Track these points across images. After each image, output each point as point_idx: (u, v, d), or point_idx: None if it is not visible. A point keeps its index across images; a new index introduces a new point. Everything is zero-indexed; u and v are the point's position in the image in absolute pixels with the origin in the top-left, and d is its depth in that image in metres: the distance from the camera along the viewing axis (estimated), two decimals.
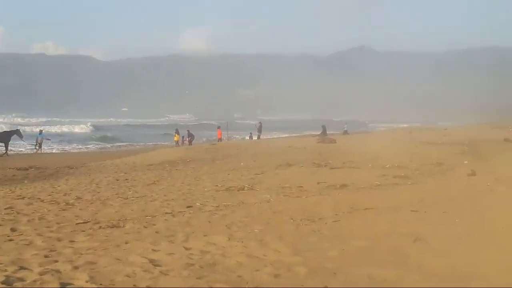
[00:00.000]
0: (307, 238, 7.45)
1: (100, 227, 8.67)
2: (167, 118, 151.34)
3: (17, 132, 36.29)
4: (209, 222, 9.00)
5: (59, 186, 15.83)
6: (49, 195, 13.31)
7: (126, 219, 9.38)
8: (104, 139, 58.18)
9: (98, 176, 18.83)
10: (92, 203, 11.71)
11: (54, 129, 74.53)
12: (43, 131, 41.20)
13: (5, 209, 10.78)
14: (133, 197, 12.65)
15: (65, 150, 43.76)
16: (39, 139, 38.65)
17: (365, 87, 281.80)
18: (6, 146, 34.41)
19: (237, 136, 56.96)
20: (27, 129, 60.13)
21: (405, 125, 67.41)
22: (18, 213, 10.30)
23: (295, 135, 62.53)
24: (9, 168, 22.91)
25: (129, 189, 14.51)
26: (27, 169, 22.54)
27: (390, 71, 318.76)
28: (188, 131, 46.51)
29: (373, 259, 6.24)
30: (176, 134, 44.85)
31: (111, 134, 64.46)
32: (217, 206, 10.69)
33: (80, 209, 10.75)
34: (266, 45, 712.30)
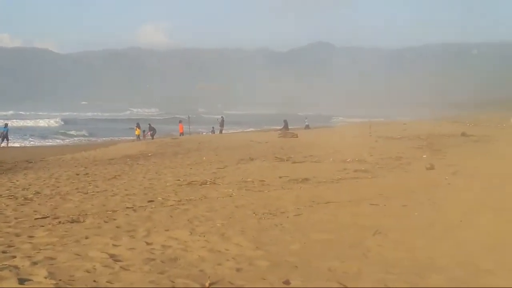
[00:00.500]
0: (269, 231, 7.51)
1: (60, 222, 8.54)
2: (129, 112, 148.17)
3: None
4: (171, 216, 8.97)
5: (17, 180, 15.47)
6: (7, 190, 13.02)
7: (86, 214, 9.26)
8: (71, 133, 56.82)
9: (58, 171, 18.48)
10: (51, 198, 11.51)
11: (20, 123, 72.77)
12: (8, 124, 40.24)
13: None
14: (93, 191, 12.48)
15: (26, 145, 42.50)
16: (3, 132, 37.48)
17: (325, 82, 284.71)
18: None
19: (200, 130, 56.62)
20: None
21: (365, 120, 68.28)
22: None
23: (256, 129, 62.64)
24: None
25: (90, 183, 14.31)
26: None
27: (350, 67, 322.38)
28: (149, 124, 46.06)
29: (334, 252, 6.33)
30: (137, 128, 44.37)
31: (77, 128, 63.08)
32: (179, 201, 10.65)
33: (39, 204, 10.56)
34: (226, 40, 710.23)
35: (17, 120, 76.40)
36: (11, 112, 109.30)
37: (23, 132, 54.61)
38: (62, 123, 76.84)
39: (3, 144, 36.83)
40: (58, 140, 49.17)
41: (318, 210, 9.10)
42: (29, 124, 72.12)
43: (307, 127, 53.46)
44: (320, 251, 6.39)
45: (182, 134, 46.80)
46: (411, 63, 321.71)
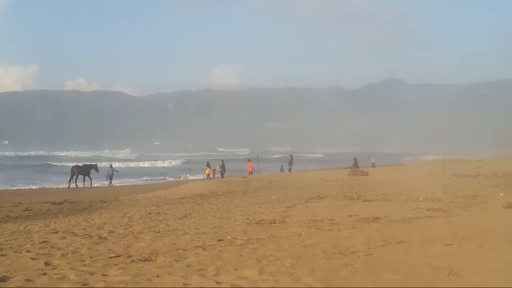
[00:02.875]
0: (339, 272, 7.37)
1: (132, 260, 8.72)
2: (210, 152, 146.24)
3: (94, 167, 39.23)
4: (240, 255, 8.97)
5: (92, 220, 15.99)
6: (83, 229, 13.45)
7: (157, 253, 9.42)
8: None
9: (131, 210, 18.97)
10: (124, 236, 11.79)
11: (125, 163, 77.24)
12: (113, 165, 42.72)
13: (39, 243, 10.93)
14: (164, 230, 12.69)
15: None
16: (110, 172, 39.99)
17: (396, 120, 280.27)
18: (88, 178, 37.77)
19: (268, 169, 56.77)
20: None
21: (438, 157, 66.41)
22: (52, 247, 10.42)
23: (326, 167, 62.15)
24: (44, 203, 23.26)
25: (161, 222, 14.57)
26: (61, 203, 22.86)
27: (422, 103, 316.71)
28: (222, 161, 47.16)
29: None
30: (207, 168, 45.08)
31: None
32: (248, 240, 10.66)
33: (112, 243, 10.83)
34: (295, 79, 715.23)
35: (124, 162, 79.59)
36: (88, 152, 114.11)
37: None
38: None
39: (110, 184, 39.37)
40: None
41: (389, 250, 8.88)
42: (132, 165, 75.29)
43: (373, 165, 52.69)
44: None
45: (251, 172, 47.06)
46: (487, 99, 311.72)
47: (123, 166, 72.03)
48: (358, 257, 8.38)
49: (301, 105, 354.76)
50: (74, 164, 43.58)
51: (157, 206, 20.21)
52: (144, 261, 8.70)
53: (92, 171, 38.47)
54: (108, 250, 9.93)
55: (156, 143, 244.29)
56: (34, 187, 37.16)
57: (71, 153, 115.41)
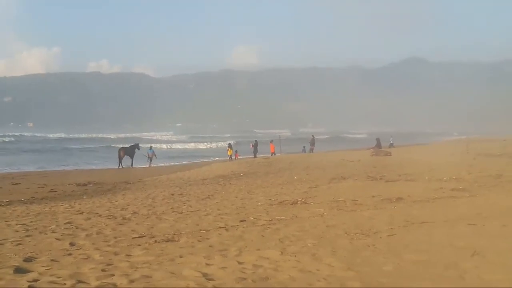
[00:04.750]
0: (361, 252, 7.36)
1: (156, 241, 8.82)
2: (229, 135, 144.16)
3: (137, 146, 41.14)
4: (262, 236, 9.01)
5: (116, 201, 16.18)
6: (107, 210, 13.62)
7: (180, 233, 9.50)
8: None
9: (154, 191, 19.15)
10: (148, 217, 11.91)
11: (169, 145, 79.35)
12: (152, 146, 43.51)
13: (64, 224, 11.11)
14: (187, 211, 12.79)
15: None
16: (150, 153, 40.92)
17: (418, 99, 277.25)
18: (132, 160, 39.86)
19: (290, 150, 56.72)
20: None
21: (462, 137, 65.65)
22: (77, 227, 10.58)
23: (348, 148, 61.87)
24: (69, 184, 23.60)
25: (184, 203, 14.68)
26: (85, 185, 23.19)
27: (445, 82, 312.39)
28: (255, 141, 48.44)
29: (428, 273, 6.11)
30: (229, 149, 45.35)
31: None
32: (270, 220, 10.69)
33: (136, 224, 10.95)
34: (316, 59, 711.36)
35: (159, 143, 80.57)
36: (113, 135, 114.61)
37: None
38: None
39: (150, 165, 40.32)
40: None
41: (412, 230, 8.83)
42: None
43: (391, 145, 52.15)
44: (414, 273, 6.19)
45: (273, 153, 47.16)
46: (511, 77, 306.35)
47: (166, 147, 73.22)
48: (381, 237, 8.36)
49: (322, 85, 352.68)
50: (121, 146, 44.56)
51: (180, 187, 20.36)
52: (167, 241, 8.79)
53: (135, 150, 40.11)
54: (132, 230, 10.05)
55: (178, 124, 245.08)
56: (59, 169, 37.64)
57: (100, 135, 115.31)
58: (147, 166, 39.72)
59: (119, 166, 38.11)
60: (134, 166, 39.14)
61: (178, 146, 79.78)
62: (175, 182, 23.30)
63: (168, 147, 77.30)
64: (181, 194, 17.65)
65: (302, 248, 7.79)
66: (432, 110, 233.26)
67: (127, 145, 42.40)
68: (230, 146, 46.26)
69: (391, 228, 9.04)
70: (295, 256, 7.25)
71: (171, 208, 13.52)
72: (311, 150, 49.43)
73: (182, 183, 22.91)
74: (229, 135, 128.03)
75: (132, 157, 39.52)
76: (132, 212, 12.92)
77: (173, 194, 17.54)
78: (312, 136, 52.49)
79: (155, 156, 41.42)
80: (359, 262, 6.77)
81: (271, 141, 49.86)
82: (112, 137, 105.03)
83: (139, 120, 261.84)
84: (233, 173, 26.81)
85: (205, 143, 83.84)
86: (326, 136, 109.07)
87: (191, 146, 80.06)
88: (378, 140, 46.53)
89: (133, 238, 9.20)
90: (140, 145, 42.35)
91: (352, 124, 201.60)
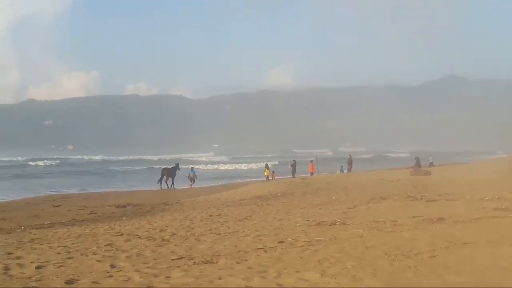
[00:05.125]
0: (402, 274, 7.24)
1: (195, 262, 8.83)
2: (270, 155, 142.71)
3: (177, 166, 40.94)
4: (301, 257, 8.94)
5: (155, 222, 16.31)
6: (146, 232, 13.72)
7: (219, 255, 9.50)
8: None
9: (192, 212, 19.24)
10: (186, 239, 11.95)
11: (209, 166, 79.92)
12: (193, 167, 44.34)
13: (105, 245, 11.22)
14: (225, 232, 12.78)
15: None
16: (191, 174, 41.25)
17: (458, 117, 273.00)
18: (172, 181, 39.51)
19: (327, 170, 56.36)
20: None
21: (504, 156, 64.09)
22: (117, 249, 10.69)
23: (387, 168, 61.17)
24: (109, 206, 23.93)
25: (222, 224, 14.68)
26: (125, 206, 23.47)
27: (484, 100, 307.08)
28: (294, 160, 48.55)
29: None
30: (266, 169, 45.39)
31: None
32: (309, 241, 10.60)
33: (175, 245, 11.00)
34: (351, 77, 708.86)
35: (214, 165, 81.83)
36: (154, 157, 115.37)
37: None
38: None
39: (192, 186, 40.59)
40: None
41: (454, 251, 8.65)
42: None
43: (431, 164, 51.41)
44: None
45: (312, 173, 47.00)
46: None
47: (205, 168, 73.89)
48: (422, 259, 8.20)
49: (359, 104, 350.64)
50: (163, 167, 44.79)
51: (217, 208, 20.40)
52: (206, 263, 8.79)
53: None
54: (171, 252, 10.09)
55: (215, 145, 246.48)
56: (99, 191, 38.21)
57: (139, 157, 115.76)
58: (188, 187, 39.90)
59: (161, 186, 38.33)
60: (175, 187, 39.31)
61: (219, 166, 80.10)
62: (212, 203, 23.38)
63: (208, 167, 77.70)
64: (219, 215, 17.67)
65: (342, 270, 7.70)
66: (475, 129, 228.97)
67: (169, 166, 42.81)
68: (267, 166, 46.33)
69: (433, 249, 8.86)
70: (335, 278, 7.17)
71: (209, 229, 13.53)
72: (349, 170, 49.09)
73: (219, 204, 22.97)
74: (270, 155, 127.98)
75: (173, 178, 39.70)
76: (170, 234, 12.98)
77: (211, 215, 17.58)
78: (350, 155, 52.15)
79: (196, 177, 41.65)
80: (400, 284, 6.66)
81: (311, 161, 49.80)
82: (154, 158, 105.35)
83: (178, 142, 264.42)
84: (270, 193, 26.76)
85: (245, 164, 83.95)
86: (370, 155, 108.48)
87: (231, 167, 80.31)
88: (417, 159, 45.94)
89: (172, 259, 9.23)
90: (180, 165, 42.74)
91: (391, 143, 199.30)
